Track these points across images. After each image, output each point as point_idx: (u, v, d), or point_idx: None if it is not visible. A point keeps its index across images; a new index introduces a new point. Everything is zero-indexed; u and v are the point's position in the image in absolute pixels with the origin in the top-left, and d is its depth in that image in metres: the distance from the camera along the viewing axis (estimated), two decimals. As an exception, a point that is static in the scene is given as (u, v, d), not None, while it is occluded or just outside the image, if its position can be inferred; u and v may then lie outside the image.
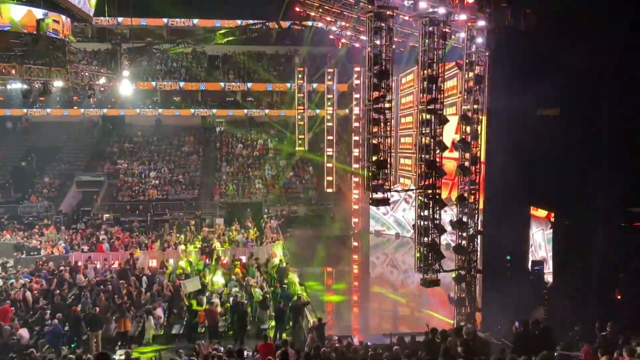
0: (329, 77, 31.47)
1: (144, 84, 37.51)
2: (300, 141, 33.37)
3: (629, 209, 17.20)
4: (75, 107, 37.46)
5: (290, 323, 17.42)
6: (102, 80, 22.45)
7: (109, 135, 39.39)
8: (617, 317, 14.15)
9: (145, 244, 24.35)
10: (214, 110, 39.72)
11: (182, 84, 38.76)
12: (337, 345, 13.44)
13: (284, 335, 16.30)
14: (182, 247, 23.79)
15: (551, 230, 17.63)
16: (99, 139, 39.27)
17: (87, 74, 21.61)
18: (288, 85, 37.78)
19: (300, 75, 33.09)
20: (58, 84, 20.78)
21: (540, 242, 18.57)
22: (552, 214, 17.59)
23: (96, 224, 28.69)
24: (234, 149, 38.48)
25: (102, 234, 25.32)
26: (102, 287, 18.79)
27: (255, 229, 27.34)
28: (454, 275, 16.88)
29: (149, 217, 30.32)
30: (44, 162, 36.09)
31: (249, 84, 39.22)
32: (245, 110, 39.86)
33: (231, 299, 18.11)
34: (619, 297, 16.47)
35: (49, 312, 16.69)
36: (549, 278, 17.60)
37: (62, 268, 20.27)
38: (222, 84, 39.11)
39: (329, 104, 31.68)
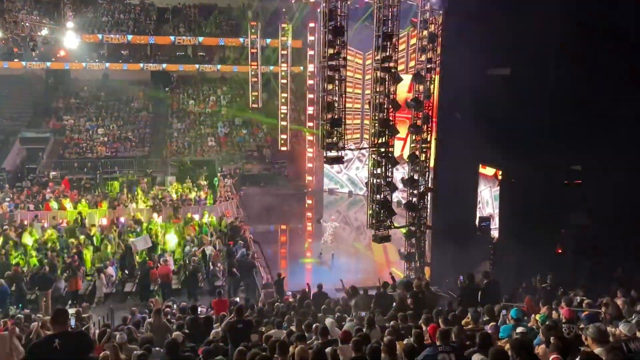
0: (283, 33, 30.91)
1: (89, 37, 35.83)
2: (253, 98, 32.90)
3: (572, 167, 17.90)
4: (16, 60, 35.54)
5: (244, 280, 17.56)
6: (45, 32, 21.35)
7: (53, 89, 37.73)
8: (558, 270, 14.92)
9: (95, 202, 23.82)
10: (164, 65, 38.48)
11: (130, 37, 37.25)
12: (290, 300, 13.69)
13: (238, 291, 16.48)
14: (133, 205, 23.43)
15: (498, 188, 18.20)
16: (43, 93, 37.59)
17: (27, 24, 20.49)
18: (241, 40, 36.86)
19: (253, 30, 32.37)
20: (-4, 34, 19.67)
21: (488, 199, 19.16)
22: (500, 172, 18.12)
23: (42, 181, 27.78)
24: (185, 106, 37.63)
25: (49, 192, 24.59)
26: (50, 246, 18.39)
27: (208, 186, 27.20)
28: (404, 231, 17.30)
29: (97, 175, 29.56)
30: (-17, 118, 34.40)
31: (200, 38, 38.05)
32: (197, 66, 38.81)
33: (185, 257, 18.07)
34: (560, 251, 17.30)
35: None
36: (495, 234, 18.25)
37: (6, 227, 19.66)
38: (171, 38, 37.84)
39: (283, 60, 31.20)
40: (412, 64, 22.47)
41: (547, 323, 7.23)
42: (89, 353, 5.96)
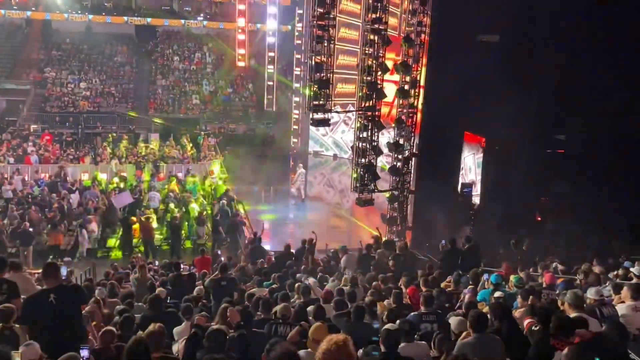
0: (272, -10, 30.24)
1: (71, -14, 34.80)
2: (240, 56, 32.41)
3: (555, 136, 18.07)
4: (-6, 8, 34.44)
5: (228, 239, 17.66)
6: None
7: (34, 40, 36.69)
8: (536, 237, 15.21)
9: (77, 157, 23.58)
10: (149, 19, 37.58)
11: (114, -12, 36.24)
12: (273, 260, 13.81)
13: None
14: (115, 161, 23.22)
15: (482, 155, 18.34)
16: (23, 44, 36.57)
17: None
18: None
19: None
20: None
21: (471, 166, 19.33)
22: (484, 139, 18.24)
23: (23, 134, 27.32)
24: (170, 62, 36.97)
25: (30, 146, 24.21)
26: (30, 200, 18.25)
27: (191, 145, 27.05)
28: (387, 195, 17.42)
29: (79, 130, 29.11)
30: (-40, 67, 33.50)
31: (187, -7, 37.22)
32: (182, 21, 37.96)
33: (168, 214, 18.06)
34: (540, 219, 17.62)
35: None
36: (476, 200, 18.49)
37: (-13, 179, 19.43)
38: (157, -9, 36.90)
39: (271, 18, 30.62)
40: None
41: (525, 287, 7.41)
42: (83, 305, 5.98)
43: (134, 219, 17.30)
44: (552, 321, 5.01)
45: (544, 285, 8.10)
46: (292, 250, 13.90)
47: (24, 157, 22.80)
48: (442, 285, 9.03)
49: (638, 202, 15.09)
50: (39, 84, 32.82)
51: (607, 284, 8.38)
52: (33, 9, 34.88)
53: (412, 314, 6.56)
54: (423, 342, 5.65)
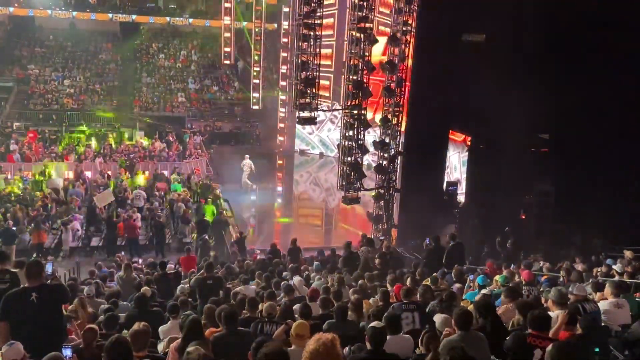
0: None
1: (55, -17, 34.42)
2: (225, 55, 32.26)
3: (539, 135, 18.24)
4: (-24, 4, 33.97)
5: (213, 237, 17.57)
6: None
7: (17, 37, 36.24)
8: (521, 235, 15.35)
9: (60, 155, 23.32)
10: (134, 16, 37.27)
11: (98, -16, 35.92)
12: (258, 257, 13.81)
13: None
14: (100, 159, 23.01)
15: (467, 153, 18.46)
16: (6, 40, 36.09)
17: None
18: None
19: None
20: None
21: (456, 165, 19.46)
22: (469, 138, 18.35)
23: (5, 132, 26.95)
24: (155, 59, 36.69)
25: (12, 144, 23.89)
26: (12, 198, 18.03)
27: (178, 142, 26.87)
28: (373, 193, 17.46)
29: (63, 128, 28.78)
30: (-59, 64, 32.93)
31: (172, -10, 36.98)
32: (168, 18, 37.70)
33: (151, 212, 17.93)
34: (524, 217, 17.77)
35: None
36: (461, 198, 18.60)
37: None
38: (142, -12, 36.62)
39: (257, 16, 30.52)
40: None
41: (510, 285, 7.48)
42: (65, 304, 5.92)
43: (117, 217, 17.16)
44: (528, 317, 5.03)
45: (523, 283, 8.18)
46: (279, 249, 13.89)
47: (5, 155, 22.50)
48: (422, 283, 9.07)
49: (620, 200, 15.28)
50: (22, 81, 32.41)
51: (589, 281, 8.49)
52: (16, 5, 34.45)
53: (393, 304, 6.60)
54: (408, 335, 5.67)
